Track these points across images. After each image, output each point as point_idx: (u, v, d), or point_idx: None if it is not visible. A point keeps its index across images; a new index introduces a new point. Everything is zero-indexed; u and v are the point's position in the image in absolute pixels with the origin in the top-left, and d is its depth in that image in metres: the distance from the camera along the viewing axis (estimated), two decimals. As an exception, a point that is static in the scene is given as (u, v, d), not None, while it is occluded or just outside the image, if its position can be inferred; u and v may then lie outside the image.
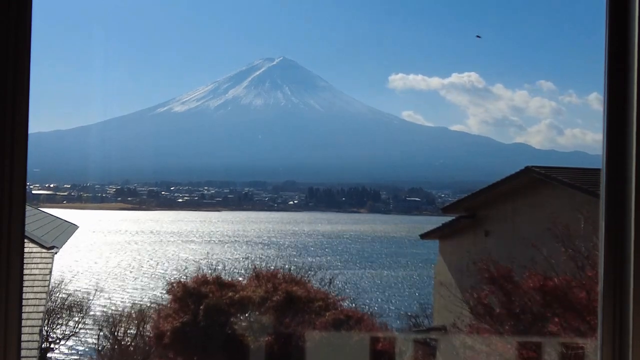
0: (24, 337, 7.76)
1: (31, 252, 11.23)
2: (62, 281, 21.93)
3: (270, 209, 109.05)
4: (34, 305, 10.30)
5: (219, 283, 15.17)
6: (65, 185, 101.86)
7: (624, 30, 2.31)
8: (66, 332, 20.73)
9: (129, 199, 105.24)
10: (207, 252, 38.46)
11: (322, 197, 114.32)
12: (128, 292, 36.33)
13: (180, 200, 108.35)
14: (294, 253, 49.18)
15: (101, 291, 26.56)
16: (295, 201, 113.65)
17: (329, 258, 50.35)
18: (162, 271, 44.14)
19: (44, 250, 11.61)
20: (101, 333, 20.92)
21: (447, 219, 18.23)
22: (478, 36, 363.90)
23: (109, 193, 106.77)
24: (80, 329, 21.35)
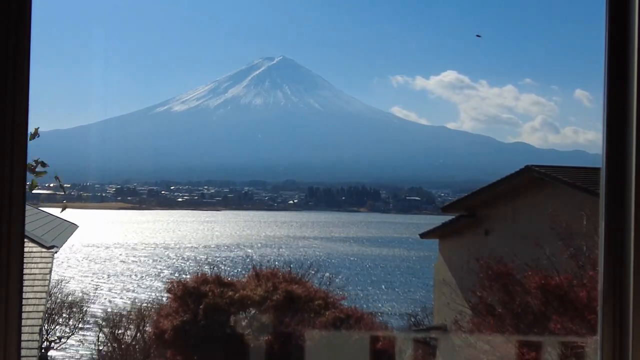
0: (24, 337, 7.76)
1: (31, 252, 11.22)
2: None
3: (270, 208, 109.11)
4: (34, 305, 10.30)
5: (218, 282, 15.17)
6: (65, 185, 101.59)
7: (623, 30, 2.31)
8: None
9: (129, 198, 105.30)
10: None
11: (322, 197, 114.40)
12: None
13: (180, 199, 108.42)
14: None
15: None
16: (295, 200, 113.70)
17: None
18: None
19: (44, 250, 11.61)
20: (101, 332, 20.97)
21: (446, 218, 18.22)
22: (478, 35, 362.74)
23: (109, 192, 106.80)
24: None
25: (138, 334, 19.92)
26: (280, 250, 58.14)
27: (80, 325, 22.16)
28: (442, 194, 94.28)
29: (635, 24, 2.27)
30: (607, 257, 2.32)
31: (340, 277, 24.62)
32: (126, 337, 20.30)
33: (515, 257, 12.10)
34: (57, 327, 21.47)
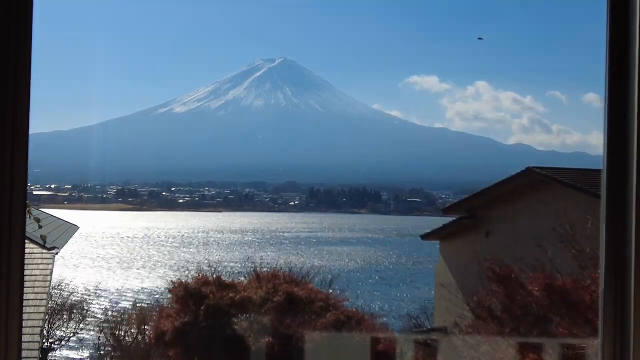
0: (25, 338, 7.76)
1: (32, 253, 11.23)
2: None
3: (271, 209, 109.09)
4: (35, 306, 10.31)
5: (219, 284, 15.18)
6: (66, 186, 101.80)
7: (624, 31, 2.31)
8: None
9: (130, 199, 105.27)
10: None
11: (323, 198, 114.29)
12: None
13: (181, 201, 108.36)
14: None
15: None
16: (296, 202, 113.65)
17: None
18: None
19: (45, 251, 11.62)
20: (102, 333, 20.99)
21: (447, 219, 18.22)
22: (480, 38, 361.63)
23: (110, 194, 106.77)
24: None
25: (139, 335, 19.92)
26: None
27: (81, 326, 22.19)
28: (443, 196, 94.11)
29: (636, 24, 2.27)
30: (608, 258, 2.31)
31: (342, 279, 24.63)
32: (127, 338, 20.31)
33: (516, 259, 12.10)
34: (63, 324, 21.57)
